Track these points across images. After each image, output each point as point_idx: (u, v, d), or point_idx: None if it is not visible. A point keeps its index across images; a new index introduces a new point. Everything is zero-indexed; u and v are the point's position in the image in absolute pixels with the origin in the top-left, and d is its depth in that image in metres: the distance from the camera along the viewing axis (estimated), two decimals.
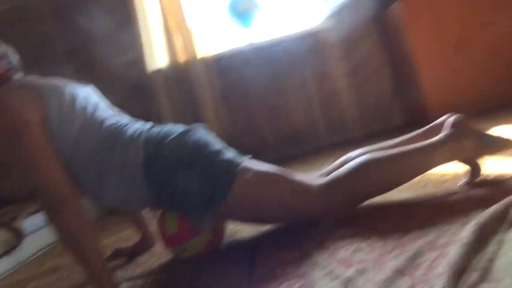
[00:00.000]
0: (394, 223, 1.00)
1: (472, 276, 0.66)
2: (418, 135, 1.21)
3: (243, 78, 2.96)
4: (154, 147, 1.10)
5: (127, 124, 1.18)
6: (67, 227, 0.98)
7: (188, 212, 1.09)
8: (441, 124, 1.15)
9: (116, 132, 1.14)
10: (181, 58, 2.73)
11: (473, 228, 0.79)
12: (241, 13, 2.89)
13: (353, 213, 1.13)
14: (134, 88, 2.94)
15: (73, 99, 1.13)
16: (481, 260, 0.70)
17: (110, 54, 2.87)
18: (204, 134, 1.16)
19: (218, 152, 1.10)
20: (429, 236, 0.86)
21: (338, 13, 2.89)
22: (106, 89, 2.52)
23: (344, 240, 0.98)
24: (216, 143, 1.15)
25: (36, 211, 2.03)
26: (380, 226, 1.01)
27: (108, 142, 1.12)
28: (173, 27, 2.74)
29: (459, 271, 0.67)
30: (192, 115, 2.77)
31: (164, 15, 2.74)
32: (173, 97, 2.75)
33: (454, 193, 1.10)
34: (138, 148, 1.10)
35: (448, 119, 1.13)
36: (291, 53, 2.97)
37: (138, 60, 2.81)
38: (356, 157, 1.16)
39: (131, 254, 1.41)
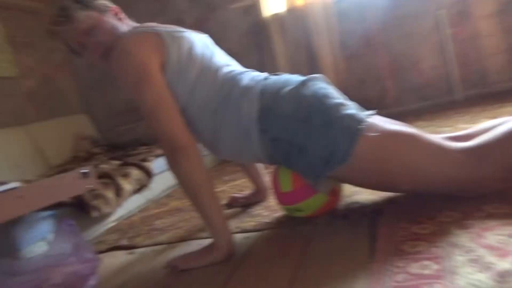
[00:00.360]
0: None
1: None
2: None
3: (364, 21, 2.67)
4: (270, 99, 1.02)
5: (242, 73, 1.12)
6: (186, 175, 1.00)
7: (304, 171, 1.02)
8: None
9: (231, 80, 1.09)
10: (299, 1, 2.56)
11: None
12: None
13: (503, 188, 0.92)
14: (250, 35, 2.90)
15: (191, 46, 1.11)
16: None
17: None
18: (323, 85, 1.04)
19: (339, 106, 0.98)
20: None
21: None
22: (222, 36, 2.55)
23: (492, 221, 0.81)
24: (337, 96, 1.02)
25: (163, 154, 2.21)
26: None
27: (223, 90, 1.08)
28: None
29: None
30: (308, 63, 2.64)
31: None
32: (288, 44, 2.64)
33: None
34: (253, 99, 1.04)
35: None
36: None
37: (255, 4, 2.73)
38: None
39: (245, 203, 1.43)
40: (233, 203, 1.46)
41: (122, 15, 1.22)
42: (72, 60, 3.29)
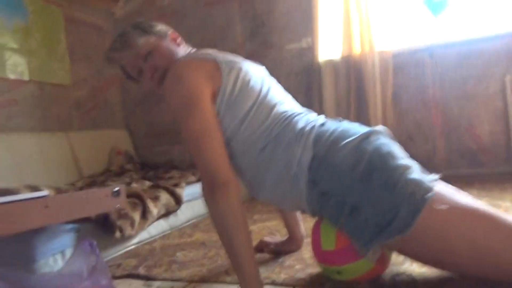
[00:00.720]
0: None
1: None
2: None
3: (421, 78, 2.58)
4: (326, 148, 0.93)
5: (299, 114, 1.05)
6: (223, 214, 0.91)
7: (354, 234, 0.91)
8: None
9: (286, 121, 1.01)
10: (356, 50, 2.51)
11: None
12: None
13: None
14: (302, 77, 2.87)
15: (249, 78, 1.06)
16: None
17: (285, 39, 2.87)
18: (387, 141, 0.94)
19: (404, 168, 0.87)
20: None
21: None
22: (274, 75, 2.52)
23: None
24: (402, 155, 0.92)
25: (194, 181, 2.15)
26: None
27: (275, 129, 1.00)
28: (353, 17, 2.53)
29: None
30: (356, 112, 2.55)
31: (345, 3, 2.55)
32: (339, 90, 2.57)
33: None
34: (307, 145, 0.95)
35: None
36: (487, 54, 2.44)
37: (311, 48, 2.72)
38: None
39: (276, 250, 1.31)
40: (262, 247, 1.35)
41: (180, 41, 1.20)
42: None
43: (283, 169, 0.97)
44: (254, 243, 1.38)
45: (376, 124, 2.45)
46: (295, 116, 1.03)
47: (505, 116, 2.42)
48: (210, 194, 0.93)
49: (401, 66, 2.57)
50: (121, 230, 1.45)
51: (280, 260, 1.24)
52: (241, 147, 1.03)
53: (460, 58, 2.49)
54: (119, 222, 1.45)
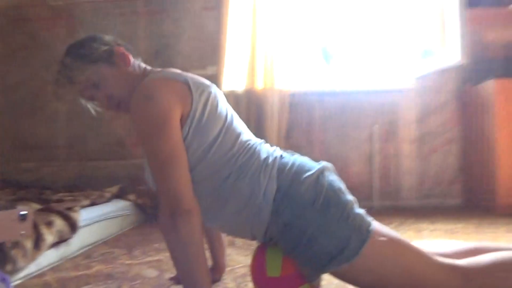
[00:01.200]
0: None
1: None
2: None
3: (311, 119, 2.91)
4: (289, 181, 0.99)
5: (259, 144, 1.08)
6: (185, 241, 0.89)
7: (307, 262, 0.97)
8: None
9: (251, 151, 1.03)
10: (259, 85, 2.70)
11: None
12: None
13: None
14: None
15: (216, 101, 1.05)
16: None
17: (190, 64, 2.88)
18: (336, 177, 1.06)
19: (352, 203, 0.99)
20: None
21: (423, 78, 2.85)
22: None
23: None
24: (347, 191, 1.04)
25: (88, 205, 1.94)
26: None
27: (240, 159, 1.01)
28: (258, 54, 2.73)
29: None
30: None
31: (253, 40, 2.74)
32: None
33: None
34: (271, 177, 0.99)
35: None
36: (363, 106, 2.92)
37: (215, 76, 2.79)
38: (492, 249, 1.03)
39: None
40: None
41: (128, 58, 1.11)
42: None
43: (247, 199, 0.98)
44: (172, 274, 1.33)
45: None
46: (257, 146, 1.06)
47: (370, 160, 2.89)
48: (171, 221, 0.89)
49: (296, 106, 2.86)
50: (13, 262, 1.21)
51: None
52: (205, 173, 1.00)
53: (342, 106, 2.91)
54: (12, 252, 1.21)
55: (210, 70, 2.91)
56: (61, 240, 1.59)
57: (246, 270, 1.38)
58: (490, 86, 2.50)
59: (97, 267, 1.53)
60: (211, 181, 1.00)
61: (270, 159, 1.02)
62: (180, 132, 0.96)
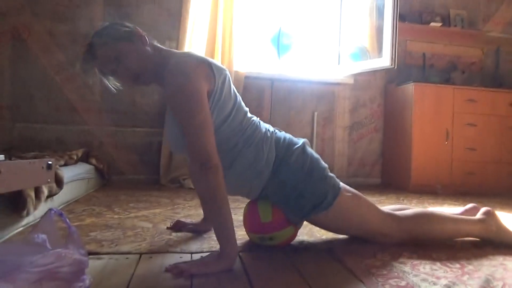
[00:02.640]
0: (447, 256, 1.30)
1: None
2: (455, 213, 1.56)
3: (260, 100, 3.21)
4: (284, 150, 1.30)
5: (259, 121, 1.36)
6: (214, 189, 1.11)
7: (295, 211, 1.29)
8: (474, 209, 1.54)
9: (254, 126, 1.31)
10: None
11: None
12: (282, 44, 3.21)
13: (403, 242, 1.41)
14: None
15: (230, 84, 1.29)
16: None
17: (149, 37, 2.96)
18: (312, 150, 1.40)
19: (327, 169, 1.35)
20: (484, 270, 1.17)
21: (358, 75, 3.32)
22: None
23: (415, 260, 1.25)
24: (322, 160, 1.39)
25: (63, 165, 2.02)
26: (436, 256, 1.31)
27: (248, 131, 1.28)
28: (218, 36, 2.95)
29: None
30: None
31: (212, 23, 2.95)
32: None
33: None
34: (271, 147, 1.29)
35: (481, 208, 1.51)
36: (307, 93, 3.31)
37: None
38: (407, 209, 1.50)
39: (194, 229, 1.52)
40: (180, 227, 1.53)
41: (146, 39, 1.29)
42: None
43: (251, 163, 1.27)
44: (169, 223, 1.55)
45: None
46: (258, 122, 1.35)
47: (311, 142, 3.31)
48: (202, 173, 1.12)
49: (249, 88, 3.14)
50: (27, 209, 1.33)
51: (205, 236, 1.47)
52: (217, 141, 1.22)
53: (289, 92, 3.26)
54: (28, 199, 1.32)
55: (168, 45, 3.04)
56: (50, 195, 1.69)
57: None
58: (410, 88, 3.07)
59: (90, 220, 1.67)
60: (222, 149, 1.24)
61: (269, 133, 1.33)
62: (208, 105, 1.19)
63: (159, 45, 1.35)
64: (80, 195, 2.22)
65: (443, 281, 1.08)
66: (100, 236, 1.41)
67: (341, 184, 1.36)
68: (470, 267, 1.21)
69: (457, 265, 1.23)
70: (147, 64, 1.26)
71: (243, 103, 1.36)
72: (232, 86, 1.32)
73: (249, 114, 1.35)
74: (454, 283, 1.07)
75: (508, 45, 3.75)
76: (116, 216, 1.75)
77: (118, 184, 2.88)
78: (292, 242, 1.40)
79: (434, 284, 1.06)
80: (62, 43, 2.94)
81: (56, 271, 0.89)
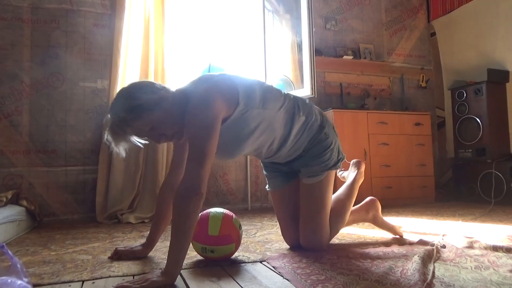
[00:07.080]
0: (361, 255, 1.52)
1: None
2: None
3: None
4: (320, 122, 1.64)
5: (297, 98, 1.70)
6: (190, 214, 1.19)
7: (322, 163, 1.62)
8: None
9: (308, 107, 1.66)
10: None
11: (417, 258, 1.37)
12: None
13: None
14: (93, 115, 3.09)
15: (266, 86, 1.57)
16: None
17: (80, 76, 3.03)
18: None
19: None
20: (389, 262, 1.40)
21: None
22: (63, 107, 2.77)
23: (334, 260, 1.45)
24: None
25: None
26: (352, 255, 1.52)
27: (289, 113, 1.56)
28: (151, 70, 3.09)
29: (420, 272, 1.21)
30: (146, 155, 3.00)
31: (144, 59, 3.09)
32: None
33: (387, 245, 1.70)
34: (316, 116, 1.65)
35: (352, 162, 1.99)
36: None
37: (106, 90, 3.06)
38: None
39: (132, 256, 1.57)
40: (120, 255, 1.56)
41: (169, 93, 1.34)
42: None
43: (305, 127, 1.60)
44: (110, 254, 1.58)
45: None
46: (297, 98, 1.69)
47: (245, 168, 3.50)
48: (188, 195, 1.19)
49: None
50: None
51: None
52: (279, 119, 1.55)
53: None
54: None
55: (100, 84, 3.11)
56: None
57: None
58: (330, 114, 3.42)
59: (25, 258, 1.64)
60: (281, 123, 1.55)
61: (307, 100, 1.70)
62: (217, 135, 1.28)
63: (175, 89, 1.40)
64: (11, 238, 2.15)
65: (355, 272, 1.28)
66: (39, 270, 1.41)
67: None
68: (379, 260, 1.44)
69: (368, 260, 1.44)
70: (178, 120, 1.32)
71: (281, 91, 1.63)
72: (269, 84, 1.61)
73: (284, 92, 1.63)
74: (363, 273, 1.27)
75: (410, 73, 4.34)
76: (53, 253, 1.74)
77: (51, 225, 2.79)
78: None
79: (348, 275, 1.25)
80: None
81: None
